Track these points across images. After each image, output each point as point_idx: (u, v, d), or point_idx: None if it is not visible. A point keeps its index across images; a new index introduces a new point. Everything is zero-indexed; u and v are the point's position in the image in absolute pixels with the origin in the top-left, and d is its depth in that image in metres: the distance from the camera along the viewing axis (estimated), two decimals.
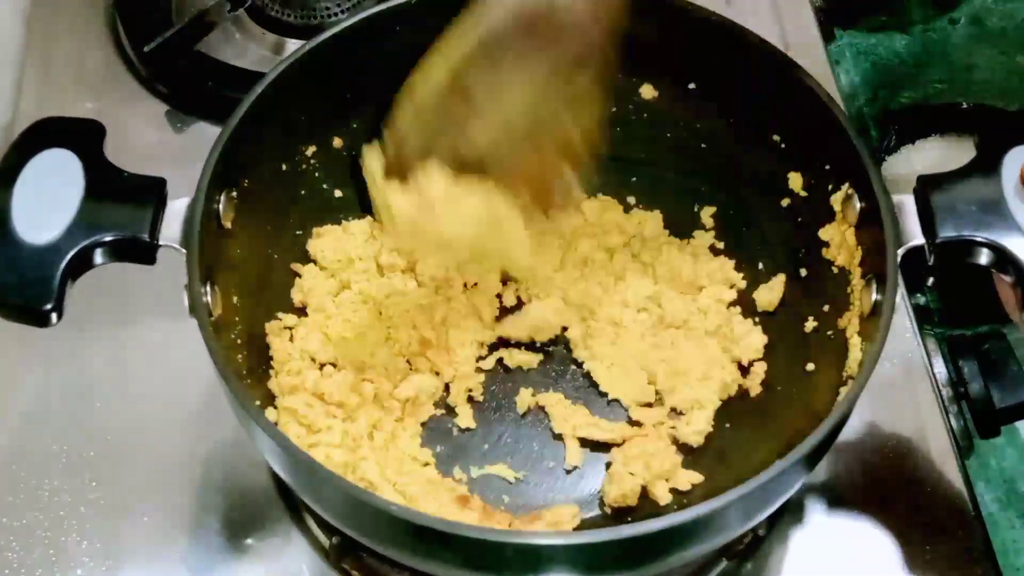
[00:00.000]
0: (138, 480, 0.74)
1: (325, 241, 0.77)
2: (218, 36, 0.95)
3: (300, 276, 0.76)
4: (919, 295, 0.92)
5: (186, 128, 0.93)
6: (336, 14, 0.97)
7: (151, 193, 0.63)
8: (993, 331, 0.82)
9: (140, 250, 0.62)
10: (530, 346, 0.77)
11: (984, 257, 0.61)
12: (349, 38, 0.73)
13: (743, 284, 0.77)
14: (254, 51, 0.97)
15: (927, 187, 0.62)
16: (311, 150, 0.76)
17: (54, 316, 0.60)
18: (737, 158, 0.77)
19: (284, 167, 0.74)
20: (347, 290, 0.77)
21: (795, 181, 0.74)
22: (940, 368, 0.80)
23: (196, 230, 0.62)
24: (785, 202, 0.74)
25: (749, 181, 0.77)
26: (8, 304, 0.61)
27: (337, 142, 0.77)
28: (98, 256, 0.62)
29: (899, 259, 0.61)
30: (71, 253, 0.61)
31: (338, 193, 0.79)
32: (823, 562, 0.71)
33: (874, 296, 0.63)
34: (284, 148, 0.74)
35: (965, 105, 0.95)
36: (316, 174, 0.77)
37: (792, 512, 0.73)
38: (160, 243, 0.62)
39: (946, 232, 0.61)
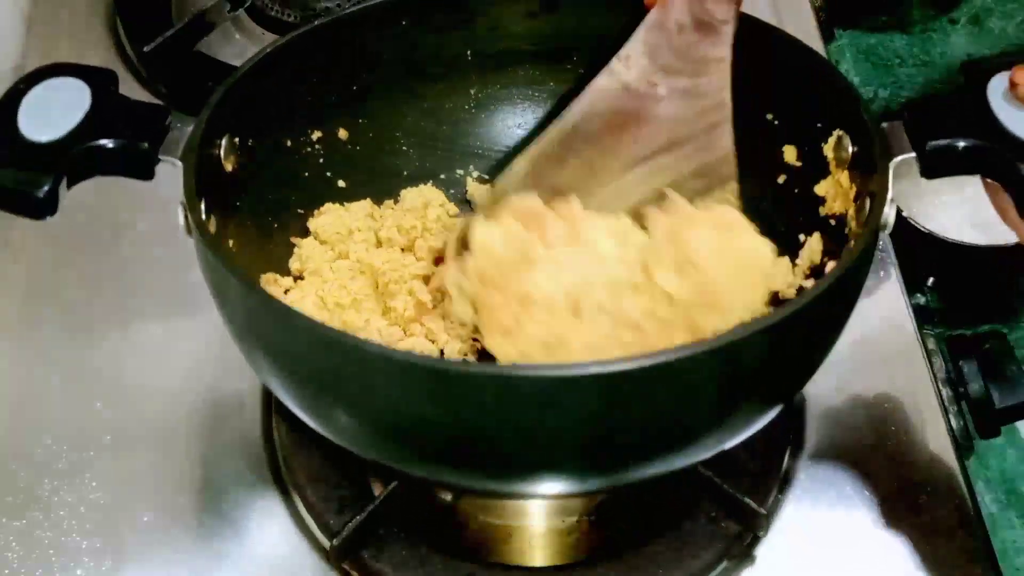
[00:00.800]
0: (138, 480, 0.74)
1: (326, 218, 0.77)
2: (218, 36, 0.96)
3: (299, 247, 0.76)
4: (919, 295, 0.92)
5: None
6: None
7: (155, 115, 0.65)
8: (993, 331, 0.82)
9: (139, 160, 0.64)
10: None
11: (975, 164, 0.61)
12: (354, 24, 0.73)
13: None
14: (254, 51, 0.97)
15: (916, 108, 0.63)
16: (316, 135, 0.76)
17: (47, 208, 0.61)
18: (736, 145, 0.77)
19: (288, 143, 0.74)
20: (345, 259, 0.76)
21: (789, 154, 0.73)
22: (940, 368, 0.80)
23: (196, 143, 0.63)
24: (782, 179, 0.74)
25: (746, 167, 0.77)
26: (4, 187, 0.62)
27: (343, 133, 0.77)
28: (97, 161, 0.63)
29: (891, 172, 0.61)
30: (71, 151, 0.62)
31: (341, 183, 0.78)
32: (822, 562, 0.71)
33: (867, 210, 0.63)
34: (289, 121, 0.74)
35: None
36: (320, 160, 0.77)
37: (789, 512, 0.73)
38: (160, 157, 0.64)
39: (935, 141, 0.61)
